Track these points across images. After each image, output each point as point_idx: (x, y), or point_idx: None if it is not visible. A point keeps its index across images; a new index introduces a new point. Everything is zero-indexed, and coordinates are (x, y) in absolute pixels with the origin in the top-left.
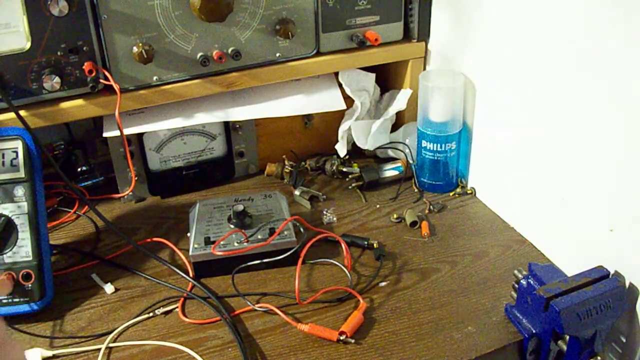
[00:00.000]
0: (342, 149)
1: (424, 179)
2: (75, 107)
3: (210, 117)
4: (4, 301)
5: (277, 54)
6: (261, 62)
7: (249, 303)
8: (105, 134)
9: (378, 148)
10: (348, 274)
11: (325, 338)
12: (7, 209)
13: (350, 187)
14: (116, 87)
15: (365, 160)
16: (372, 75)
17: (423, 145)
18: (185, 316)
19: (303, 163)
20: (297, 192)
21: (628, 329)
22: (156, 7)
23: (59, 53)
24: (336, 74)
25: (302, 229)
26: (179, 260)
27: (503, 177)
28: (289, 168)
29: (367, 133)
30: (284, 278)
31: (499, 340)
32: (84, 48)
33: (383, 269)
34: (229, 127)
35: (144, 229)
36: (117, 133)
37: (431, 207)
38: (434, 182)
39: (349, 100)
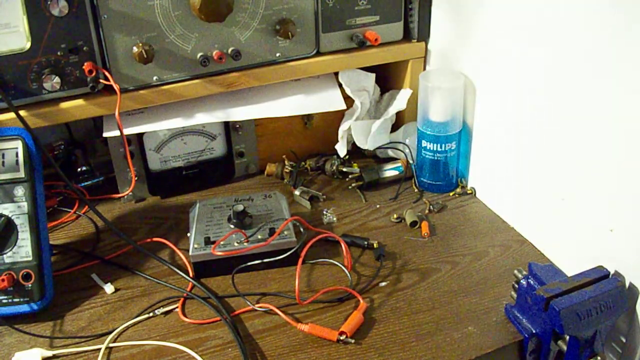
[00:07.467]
0: (342, 149)
1: (424, 179)
2: (75, 107)
3: (210, 117)
4: (4, 301)
5: (277, 54)
6: (261, 62)
7: (249, 303)
8: (105, 134)
9: (378, 148)
10: (348, 274)
11: (325, 338)
12: (7, 209)
13: (350, 187)
14: (116, 87)
15: (365, 160)
16: (372, 75)
17: (423, 145)
18: (185, 316)
19: (303, 163)
20: (297, 192)
21: (628, 329)
22: (156, 7)
23: (59, 53)
24: (336, 74)
25: (302, 229)
26: (179, 260)
27: (503, 177)
28: (289, 168)
29: (367, 133)
30: (284, 278)
31: (499, 340)
32: (84, 48)
33: (383, 269)
34: (229, 127)
35: (144, 229)
36: (117, 133)
37: (431, 207)
38: (434, 182)
39: (349, 100)
